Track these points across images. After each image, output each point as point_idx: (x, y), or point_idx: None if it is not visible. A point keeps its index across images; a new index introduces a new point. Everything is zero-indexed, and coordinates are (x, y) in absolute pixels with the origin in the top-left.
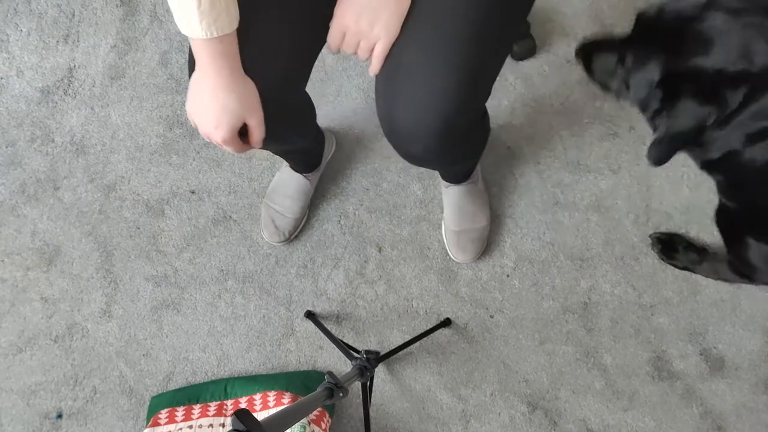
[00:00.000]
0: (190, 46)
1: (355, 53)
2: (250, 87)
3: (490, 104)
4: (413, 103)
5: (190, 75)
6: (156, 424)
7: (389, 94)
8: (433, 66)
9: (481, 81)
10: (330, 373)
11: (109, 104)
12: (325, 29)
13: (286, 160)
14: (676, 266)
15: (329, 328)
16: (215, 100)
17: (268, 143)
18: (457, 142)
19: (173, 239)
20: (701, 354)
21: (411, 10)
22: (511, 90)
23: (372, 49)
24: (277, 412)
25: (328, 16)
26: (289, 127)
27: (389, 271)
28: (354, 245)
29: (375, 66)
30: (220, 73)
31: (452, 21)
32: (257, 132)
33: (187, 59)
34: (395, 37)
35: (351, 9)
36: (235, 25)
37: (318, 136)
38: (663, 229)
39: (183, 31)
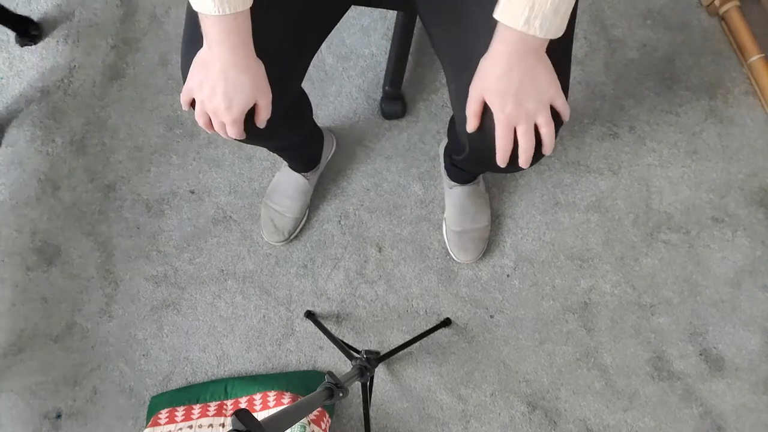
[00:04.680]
0: (188, 20)
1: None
2: (261, 66)
3: None
4: None
5: (186, 50)
6: (156, 424)
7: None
8: None
9: (568, 84)
10: (330, 373)
11: (109, 104)
12: (327, 24)
13: (284, 159)
14: None
15: (329, 328)
16: (226, 80)
17: (261, 140)
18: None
19: (173, 239)
20: (701, 354)
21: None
22: None
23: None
24: (277, 412)
25: (330, 10)
26: (283, 123)
27: (389, 271)
28: (354, 245)
29: (567, 114)
30: (234, 51)
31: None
32: (265, 112)
33: (182, 35)
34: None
35: (508, 102)
36: (249, 2)
37: (314, 133)
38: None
39: (195, 7)
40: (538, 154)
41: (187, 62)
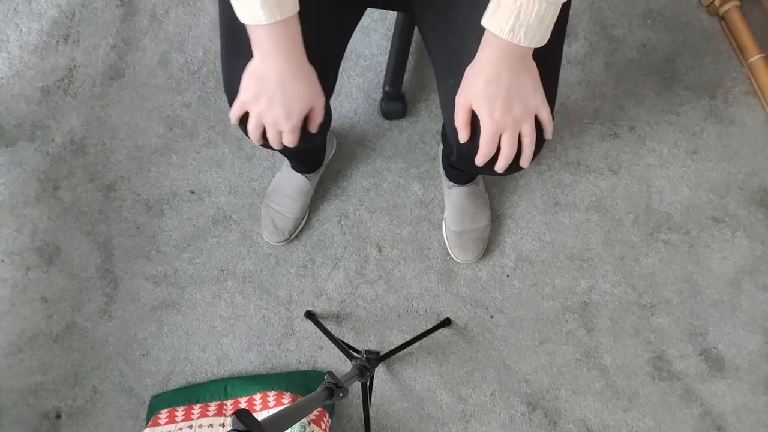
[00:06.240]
0: (225, 36)
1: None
2: (313, 71)
3: None
4: None
5: (229, 67)
6: (156, 424)
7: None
8: None
9: (555, 93)
10: (330, 373)
11: (109, 104)
12: (350, 26)
13: (290, 160)
14: None
15: (329, 328)
16: (284, 89)
17: (300, 144)
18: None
19: (173, 239)
20: (701, 354)
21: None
22: None
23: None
24: (277, 412)
25: (349, 13)
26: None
27: (389, 271)
28: (354, 245)
29: (550, 131)
30: (289, 58)
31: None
32: (320, 116)
33: (221, 53)
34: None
35: (496, 108)
36: (297, 7)
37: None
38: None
39: (243, 20)
40: (516, 165)
41: (232, 79)
